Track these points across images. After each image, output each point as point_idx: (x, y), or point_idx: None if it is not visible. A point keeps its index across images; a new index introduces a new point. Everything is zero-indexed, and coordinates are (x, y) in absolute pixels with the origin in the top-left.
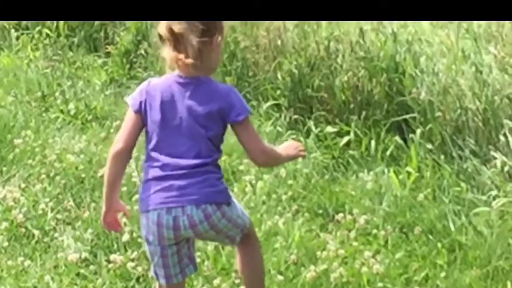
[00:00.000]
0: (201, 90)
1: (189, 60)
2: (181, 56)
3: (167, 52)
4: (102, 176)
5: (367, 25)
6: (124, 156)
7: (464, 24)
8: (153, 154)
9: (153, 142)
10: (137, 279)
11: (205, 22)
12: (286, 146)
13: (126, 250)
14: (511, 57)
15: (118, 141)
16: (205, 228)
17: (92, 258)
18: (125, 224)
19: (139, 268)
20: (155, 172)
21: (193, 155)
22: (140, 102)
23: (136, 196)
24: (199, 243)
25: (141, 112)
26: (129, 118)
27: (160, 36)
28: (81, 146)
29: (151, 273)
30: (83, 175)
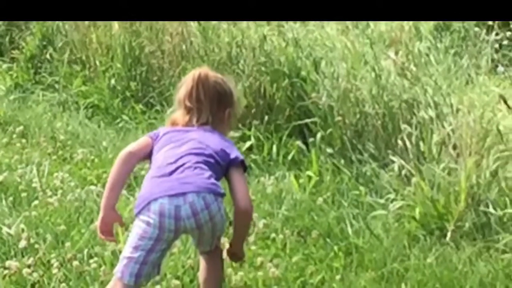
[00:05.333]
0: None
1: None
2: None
3: (179, 115)
4: (2, 182)
5: (270, 29)
6: (132, 158)
7: (369, 29)
8: (156, 162)
9: (158, 155)
10: (32, 285)
11: (221, 98)
12: None
13: (23, 256)
14: (411, 63)
15: (128, 147)
16: (206, 218)
17: None
18: (22, 230)
19: (35, 274)
20: (154, 173)
21: (193, 155)
22: (155, 133)
23: (36, 202)
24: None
25: (153, 138)
26: (143, 138)
27: (179, 101)
28: None
29: (115, 273)
30: None
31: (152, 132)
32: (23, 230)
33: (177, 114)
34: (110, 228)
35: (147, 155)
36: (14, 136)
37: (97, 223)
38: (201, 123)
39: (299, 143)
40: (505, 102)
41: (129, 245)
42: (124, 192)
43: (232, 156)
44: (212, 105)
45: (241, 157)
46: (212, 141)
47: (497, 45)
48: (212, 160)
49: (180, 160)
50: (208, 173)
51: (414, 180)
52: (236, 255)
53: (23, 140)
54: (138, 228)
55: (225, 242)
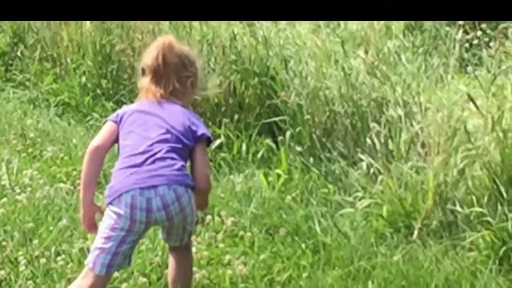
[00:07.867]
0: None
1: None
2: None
3: (145, 82)
4: None
5: (240, 28)
6: (101, 152)
7: (340, 28)
8: (125, 151)
9: (126, 142)
10: None
11: (185, 66)
12: None
13: None
14: (380, 62)
15: (95, 140)
16: (176, 210)
17: None
18: None
19: (2, 272)
20: (125, 163)
21: (161, 143)
22: (117, 115)
23: (4, 199)
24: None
25: (117, 122)
26: (107, 126)
27: (143, 69)
28: None
29: (87, 263)
30: None
31: (113, 115)
32: None
33: (145, 81)
34: (94, 221)
35: (114, 142)
36: None
37: (81, 220)
38: (170, 91)
39: (268, 141)
40: (473, 101)
41: (101, 235)
42: None
43: (199, 133)
44: (177, 73)
45: (208, 134)
46: (177, 120)
47: (467, 45)
48: (180, 145)
49: (149, 149)
50: (179, 163)
51: (382, 178)
52: (201, 205)
53: None
54: (109, 218)
55: (194, 240)
